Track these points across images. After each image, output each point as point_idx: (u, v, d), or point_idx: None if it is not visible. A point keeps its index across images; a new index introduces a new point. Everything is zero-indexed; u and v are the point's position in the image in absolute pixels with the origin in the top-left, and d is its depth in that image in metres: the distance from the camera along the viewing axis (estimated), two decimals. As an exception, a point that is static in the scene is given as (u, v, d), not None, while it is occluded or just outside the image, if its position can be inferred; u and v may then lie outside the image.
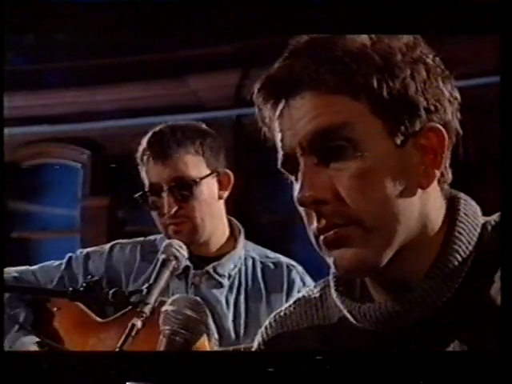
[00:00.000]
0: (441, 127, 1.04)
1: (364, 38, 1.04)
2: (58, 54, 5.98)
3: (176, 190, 1.96)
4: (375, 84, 1.01)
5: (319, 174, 1.02)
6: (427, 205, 1.05)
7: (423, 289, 1.04)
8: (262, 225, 5.65)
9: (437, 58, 1.06)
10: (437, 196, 1.07)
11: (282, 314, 1.20)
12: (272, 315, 1.21)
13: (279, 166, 1.07)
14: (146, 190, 2.00)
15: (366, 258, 1.01)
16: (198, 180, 1.97)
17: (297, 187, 1.03)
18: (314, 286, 1.21)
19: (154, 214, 2.02)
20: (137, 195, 2.02)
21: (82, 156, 6.34)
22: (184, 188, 1.97)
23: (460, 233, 1.05)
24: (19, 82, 5.47)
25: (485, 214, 1.10)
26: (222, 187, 2.04)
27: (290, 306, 1.20)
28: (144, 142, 2.02)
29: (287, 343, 1.15)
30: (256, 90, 1.07)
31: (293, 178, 1.06)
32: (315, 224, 1.03)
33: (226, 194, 2.06)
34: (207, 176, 2.00)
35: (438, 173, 1.04)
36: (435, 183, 1.05)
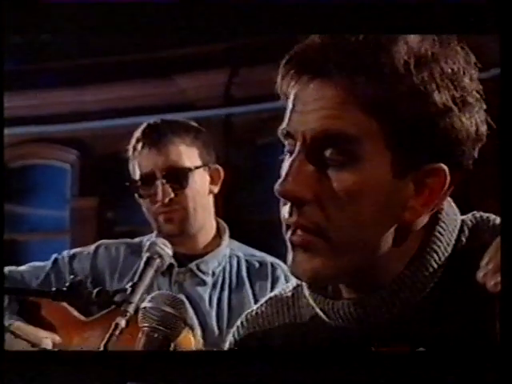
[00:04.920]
0: (445, 168, 0.99)
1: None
2: (46, 55, 5.96)
3: (171, 179, 1.98)
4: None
5: (308, 170, 0.97)
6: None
7: (394, 289, 1.01)
8: (250, 223, 5.64)
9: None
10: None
11: (253, 313, 1.18)
12: (243, 315, 1.19)
13: (279, 133, 1.02)
14: (138, 178, 2.00)
15: (322, 271, 0.98)
16: (192, 168, 1.99)
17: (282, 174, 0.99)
18: (287, 286, 1.18)
19: (145, 202, 2.01)
20: (127, 183, 2.02)
21: (71, 156, 6.32)
22: (178, 177, 1.99)
23: (440, 233, 1.02)
24: (5, 83, 5.45)
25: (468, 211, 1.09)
26: (212, 182, 2.06)
27: (261, 305, 1.18)
28: (138, 132, 2.03)
29: (259, 342, 1.14)
30: (285, 61, 1.02)
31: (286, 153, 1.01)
32: (286, 215, 1.00)
33: (216, 189, 2.08)
34: (200, 167, 2.01)
35: (425, 210, 1.00)
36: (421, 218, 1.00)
